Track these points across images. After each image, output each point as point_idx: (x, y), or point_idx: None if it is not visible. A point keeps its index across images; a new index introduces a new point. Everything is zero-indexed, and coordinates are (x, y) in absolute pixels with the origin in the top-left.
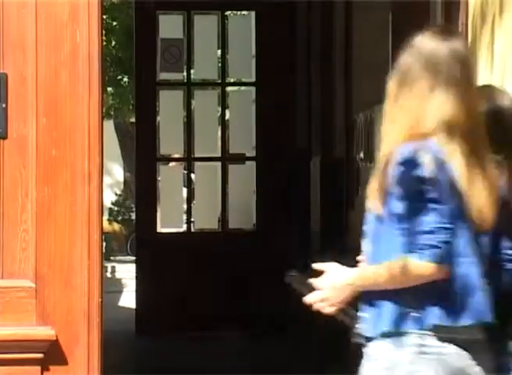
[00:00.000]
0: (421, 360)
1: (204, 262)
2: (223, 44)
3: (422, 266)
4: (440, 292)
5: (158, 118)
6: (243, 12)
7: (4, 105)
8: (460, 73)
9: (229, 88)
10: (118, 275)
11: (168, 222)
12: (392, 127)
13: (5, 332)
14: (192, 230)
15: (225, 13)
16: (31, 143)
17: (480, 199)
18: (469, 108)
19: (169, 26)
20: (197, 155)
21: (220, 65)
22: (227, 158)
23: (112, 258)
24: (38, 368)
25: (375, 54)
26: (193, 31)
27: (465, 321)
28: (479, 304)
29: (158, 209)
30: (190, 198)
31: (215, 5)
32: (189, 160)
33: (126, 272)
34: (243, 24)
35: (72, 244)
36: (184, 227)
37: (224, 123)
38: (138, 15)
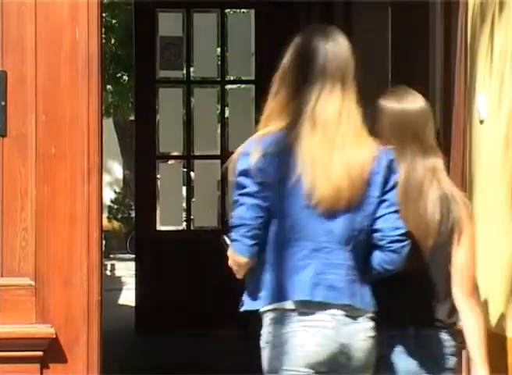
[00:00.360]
0: (302, 333)
1: (204, 260)
2: (223, 42)
3: (235, 257)
4: (268, 274)
5: (158, 116)
6: (243, 10)
7: (3, 103)
8: (334, 71)
9: (228, 86)
10: (117, 273)
11: (168, 220)
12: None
13: (5, 330)
14: (191, 228)
15: (225, 11)
16: (31, 141)
17: (325, 184)
18: (337, 103)
19: (169, 24)
20: (196, 153)
21: (219, 63)
22: (227, 156)
23: (111, 256)
24: (38, 366)
25: (375, 53)
26: (192, 29)
27: (289, 300)
28: (301, 282)
29: (158, 207)
30: (189, 196)
31: (215, 3)
32: (188, 158)
33: (126, 270)
34: (243, 22)
35: (72, 242)
36: (184, 225)
37: (223, 121)
38: (138, 13)
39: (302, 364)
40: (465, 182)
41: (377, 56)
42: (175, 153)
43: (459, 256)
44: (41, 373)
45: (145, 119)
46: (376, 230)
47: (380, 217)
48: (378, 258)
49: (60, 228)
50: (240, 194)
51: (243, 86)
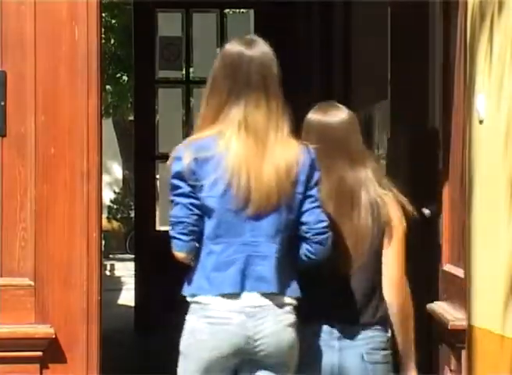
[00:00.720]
0: (206, 327)
1: None
2: (222, 42)
3: (175, 253)
4: (199, 267)
5: (157, 116)
6: (242, 10)
7: (2, 103)
8: (259, 79)
9: None
10: (117, 273)
11: (168, 220)
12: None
13: (5, 330)
14: None
15: (224, 11)
16: (30, 141)
17: (255, 187)
18: (264, 110)
19: (168, 24)
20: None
21: None
22: None
23: (111, 256)
24: (37, 366)
25: (374, 53)
26: (192, 29)
27: (219, 291)
28: (229, 276)
29: (157, 207)
30: None
31: (214, 3)
32: None
33: (125, 270)
34: (242, 22)
35: (71, 242)
36: None
37: None
38: (137, 13)
39: (206, 357)
40: (465, 182)
41: (376, 56)
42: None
43: (389, 256)
44: (41, 373)
45: (145, 119)
46: (302, 223)
47: (305, 211)
48: (304, 248)
49: (59, 228)
50: (175, 195)
51: None
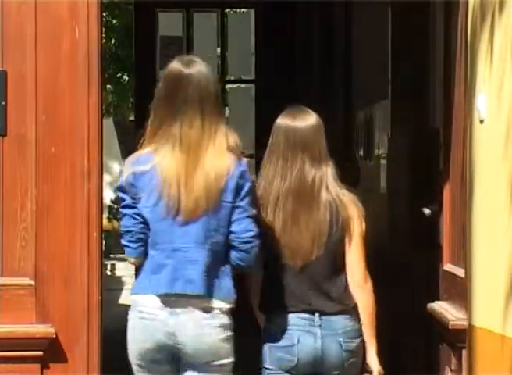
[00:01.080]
0: (138, 322)
1: None
2: (223, 41)
3: (127, 258)
4: (142, 270)
5: None
6: (243, 10)
7: (3, 103)
8: (195, 98)
9: (228, 86)
10: (117, 273)
11: None
12: None
13: (5, 330)
14: None
15: (225, 11)
16: (30, 140)
17: (185, 197)
18: (199, 127)
19: (169, 23)
20: None
21: (219, 62)
22: None
23: (111, 255)
24: (38, 365)
25: (375, 52)
26: (192, 29)
27: (154, 291)
28: (162, 278)
29: None
30: None
31: (215, 2)
32: None
33: (126, 270)
34: (243, 22)
35: (72, 242)
36: None
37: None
38: (138, 12)
39: (136, 354)
40: (465, 181)
41: (377, 56)
42: None
43: (351, 252)
44: (42, 372)
45: (145, 119)
46: (230, 232)
47: (234, 221)
48: (232, 255)
49: (60, 228)
50: (121, 207)
51: (242, 85)
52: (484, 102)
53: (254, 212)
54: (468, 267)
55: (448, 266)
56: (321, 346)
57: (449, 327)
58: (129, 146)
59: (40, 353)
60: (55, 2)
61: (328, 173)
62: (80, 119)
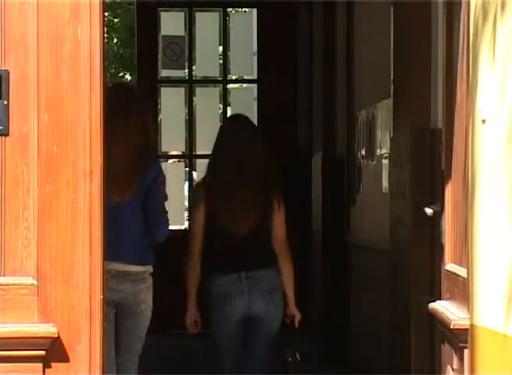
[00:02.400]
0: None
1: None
2: (225, 41)
3: None
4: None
5: (160, 115)
6: (245, 10)
7: (5, 102)
8: (121, 112)
9: (230, 85)
10: None
11: (170, 219)
12: None
13: (7, 329)
14: None
15: (227, 10)
16: (33, 140)
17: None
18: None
19: (171, 23)
20: (198, 152)
21: (221, 62)
22: None
23: None
24: (40, 365)
25: (377, 51)
26: (194, 28)
27: (116, 261)
28: (123, 250)
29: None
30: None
31: (217, 2)
32: (190, 157)
33: None
34: (245, 21)
35: (74, 242)
36: (186, 225)
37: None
38: (140, 12)
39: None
40: (467, 181)
41: (379, 56)
42: (176, 152)
43: (274, 227)
44: (44, 372)
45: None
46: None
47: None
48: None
49: (62, 227)
50: None
51: (245, 85)
52: (486, 102)
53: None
54: (470, 267)
55: (450, 266)
56: (248, 300)
57: (451, 327)
58: None
59: (43, 352)
60: (57, 2)
61: (263, 167)
62: (82, 119)
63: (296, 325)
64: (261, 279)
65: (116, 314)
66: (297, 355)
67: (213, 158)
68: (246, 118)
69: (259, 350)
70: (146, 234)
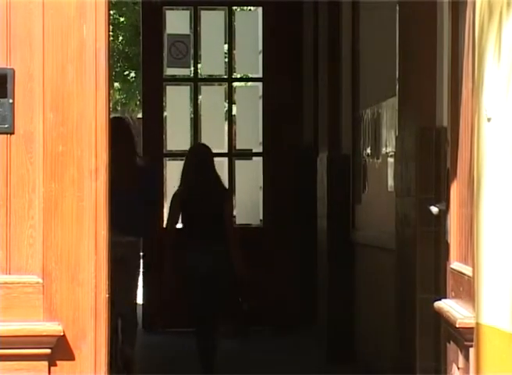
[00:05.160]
0: None
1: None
2: (230, 39)
3: None
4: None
5: (165, 113)
6: (250, 8)
7: (11, 101)
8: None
9: (235, 84)
10: None
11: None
12: None
13: (13, 327)
14: None
15: (232, 9)
16: (38, 138)
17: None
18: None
19: (176, 21)
20: None
21: (227, 60)
22: (234, 154)
23: None
24: (46, 363)
25: (382, 50)
26: (200, 27)
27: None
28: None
29: (165, 205)
30: None
31: (222, 0)
32: None
33: None
34: (250, 20)
35: (80, 240)
36: None
37: (231, 119)
38: (145, 10)
39: None
40: (473, 179)
41: (384, 55)
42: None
43: (227, 214)
44: (49, 370)
45: (153, 116)
46: None
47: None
48: None
49: (68, 226)
50: None
51: (250, 84)
52: (491, 100)
53: None
54: (476, 265)
55: (455, 264)
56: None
57: (457, 325)
58: (136, 143)
59: (48, 351)
60: (63, 0)
61: (218, 176)
62: (87, 117)
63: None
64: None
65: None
66: (244, 305)
67: (184, 173)
68: (203, 144)
69: None
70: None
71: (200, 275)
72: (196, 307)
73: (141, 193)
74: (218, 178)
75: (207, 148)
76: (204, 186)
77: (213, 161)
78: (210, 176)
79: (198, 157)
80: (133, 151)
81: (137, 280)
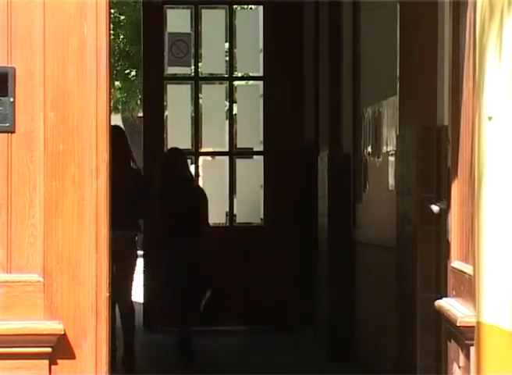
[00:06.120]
0: None
1: (211, 257)
2: (231, 38)
3: None
4: None
5: (166, 112)
6: (251, 7)
7: (12, 100)
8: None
9: (236, 82)
10: None
11: None
12: None
13: (14, 326)
14: None
15: (233, 7)
16: (39, 137)
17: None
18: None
19: (177, 20)
20: (204, 149)
21: (228, 59)
22: (235, 153)
23: None
24: (46, 362)
25: (383, 49)
26: (200, 25)
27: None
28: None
29: None
30: None
31: None
32: (196, 154)
33: None
34: (251, 18)
35: (80, 239)
36: None
37: (232, 118)
38: (146, 9)
39: None
40: (474, 178)
41: (385, 54)
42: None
43: (202, 209)
44: (50, 369)
45: (153, 115)
46: None
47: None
48: None
49: (68, 225)
50: None
51: (251, 82)
52: (492, 99)
53: None
54: (477, 264)
55: (456, 263)
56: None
57: (457, 324)
58: (136, 142)
59: (49, 350)
60: None
61: (193, 178)
62: (88, 116)
63: None
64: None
65: None
66: (208, 293)
67: (160, 175)
68: (178, 149)
69: None
70: None
71: (177, 270)
72: (174, 302)
73: (135, 192)
74: (192, 178)
75: (179, 151)
76: (179, 184)
77: (186, 162)
78: (183, 175)
79: (171, 159)
80: (128, 156)
81: (133, 273)
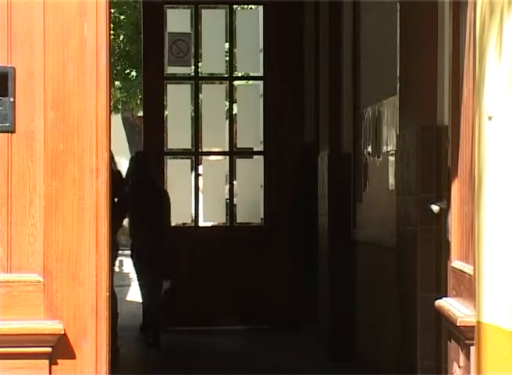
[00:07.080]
0: None
1: (212, 256)
2: (231, 38)
3: None
4: None
5: (166, 112)
6: (251, 7)
7: (12, 99)
8: None
9: (236, 82)
10: (125, 269)
11: (176, 216)
12: None
13: (14, 326)
14: (200, 224)
15: (233, 7)
16: (39, 137)
17: None
18: None
19: (177, 20)
20: (204, 149)
21: (228, 59)
22: (235, 153)
23: (119, 252)
24: (46, 362)
25: (383, 48)
26: (200, 25)
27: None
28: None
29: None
30: (197, 193)
31: None
32: (196, 154)
33: None
34: (251, 18)
35: (80, 238)
36: (192, 219)
37: (232, 118)
38: (146, 9)
39: None
40: (474, 178)
41: (385, 53)
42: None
43: (165, 209)
44: (50, 369)
45: (153, 115)
46: None
47: None
48: None
49: (69, 224)
50: None
51: (251, 82)
52: (492, 99)
53: None
54: (477, 264)
55: (456, 263)
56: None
57: (458, 324)
58: (136, 142)
59: (49, 349)
60: None
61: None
62: (88, 116)
63: None
64: None
65: None
66: (166, 284)
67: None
68: (141, 152)
69: None
70: None
71: (143, 265)
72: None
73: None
74: (155, 179)
75: (144, 156)
76: (144, 185)
77: (149, 165)
78: (148, 176)
79: (138, 162)
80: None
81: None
